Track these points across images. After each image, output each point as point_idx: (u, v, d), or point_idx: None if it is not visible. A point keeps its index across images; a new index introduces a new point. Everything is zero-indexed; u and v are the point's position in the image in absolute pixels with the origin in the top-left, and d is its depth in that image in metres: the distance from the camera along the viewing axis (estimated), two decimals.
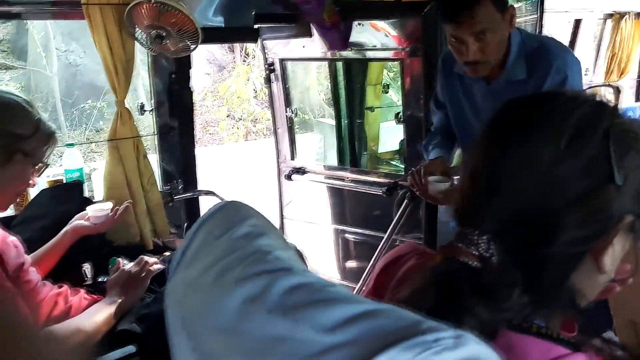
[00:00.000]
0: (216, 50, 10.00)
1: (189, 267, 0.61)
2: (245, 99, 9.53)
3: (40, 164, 1.32)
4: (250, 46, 9.74)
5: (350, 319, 0.43)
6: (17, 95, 1.28)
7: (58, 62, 8.24)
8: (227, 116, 9.58)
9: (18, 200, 1.82)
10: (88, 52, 8.42)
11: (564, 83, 1.42)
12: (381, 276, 0.77)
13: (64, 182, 1.80)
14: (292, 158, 2.92)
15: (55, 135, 1.34)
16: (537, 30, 2.86)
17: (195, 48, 1.85)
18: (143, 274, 1.41)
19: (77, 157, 1.83)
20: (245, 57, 10.22)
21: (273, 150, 2.96)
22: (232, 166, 6.83)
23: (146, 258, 1.44)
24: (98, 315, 1.29)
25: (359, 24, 2.34)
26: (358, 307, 0.45)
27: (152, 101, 2.03)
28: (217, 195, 2.12)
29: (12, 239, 1.32)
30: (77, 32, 8.57)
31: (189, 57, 1.99)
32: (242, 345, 0.47)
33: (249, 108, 9.58)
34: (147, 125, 2.13)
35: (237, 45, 10.07)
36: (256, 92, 9.57)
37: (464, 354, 0.38)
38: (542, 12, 2.87)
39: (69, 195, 1.75)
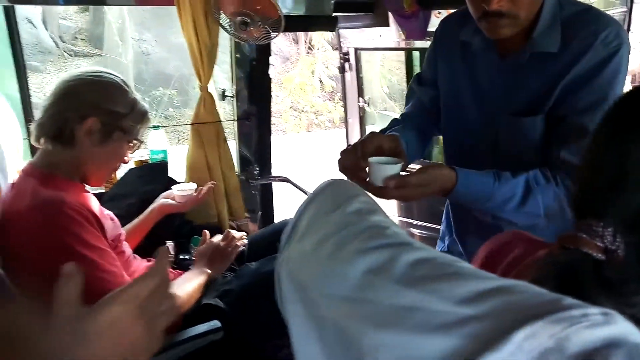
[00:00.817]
0: (281, 42, 10.12)
1: (301, 240, 0.63)
2: (309, 91, 9.60)
3: (135, 142, 1.39)
4: (315, 38, 9.79)
5: (485, 292, 0.43)
6: (116, 76, 1.35)
7: (131, 50, 8.62)
8: (290, 107, 9.70)
9: (106, 180, 1.93)
10: (159, 42, 8.76)
11: (609, 60, 1.08)
12: (485, 264, 0.77)
13: (149, 162, 1.88)
14: None
15: (148, 114, 1.41)
16: (626, 26, 2.71)
17: (276, 35, 1.88)
18: (230, 248, 1.46)
19: (161, 139, 1.91)
20: (309, 49, 10.28)
21: (334, 141, 2.97)
22: (296, 155, 6.91)
23: (233, 232, 1.50)
24: (189, 284, 1.35)
25: (438, 13, 2.30)
26: (491, 282, 0.44)
27: (233, 87, 2.09)
28: (291, 182, 2.16)
29: (108, 213, 1.40)
30: (149, 21, 8.93)
31: (269, 44, 2.03)
32: (368, 313, 0.48)
33: (311, 100, 9.65)
34: (225, 111, 2.19)
35: (301, 37, 10.14)
36: (321, 83, 9.61)
37: (614, 331, 0.38)
38: (632, 2, 2.70)
39: (154, 174, 1.83)
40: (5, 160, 1.36)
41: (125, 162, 1.42)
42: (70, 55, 8.80)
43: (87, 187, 1.37)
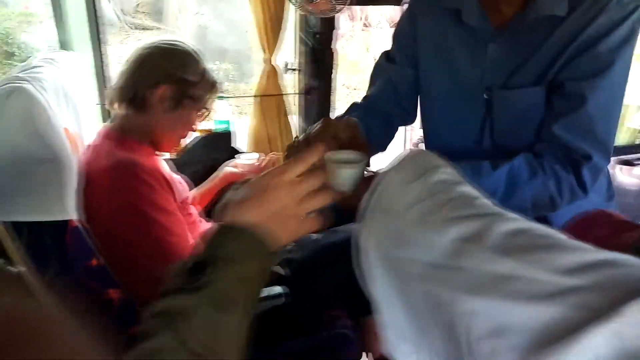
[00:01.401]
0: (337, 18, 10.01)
1: (382, 208, 0.63)
2: (362, 69, 9.50)
3: (203, 110, 1.42)
4: (371, 15, 9.63)
5: (590, 264, 0.42)
6: (189, 45, 1.38)
7: (190, 24, 8.76)
8: (342, 85, 9.64)
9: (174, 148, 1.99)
10: (217, 16, 8.85)
11: (621, 22, 0.94)
12: None
13: (214, 132, 1.93)
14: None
15: (217, 84, 1.43)
16: None
17: (342, 8, 1.87)
18: None
19: (225, 110, 1.95)
20: (365, 25, 10.14)
21: None
22: None
23: None
24: None
25: None
26: (594, 254, 0.44)
27: (296, 60, 2.09)
28: None
29: (177, 177, 1.45)
30: None
31: (333, 17, 2.02)
32: (460, 280, 0.48)
33: (364, 78, 9.55)
34: (287, 84, 2.20)
35: (357, 13, 10.01)
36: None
37: None
38: None
39: (219, 143, 1.87)
40: (83, 123, 1.42)
41: (194, 131, 1.46)
42: (131, 28, 9.03)
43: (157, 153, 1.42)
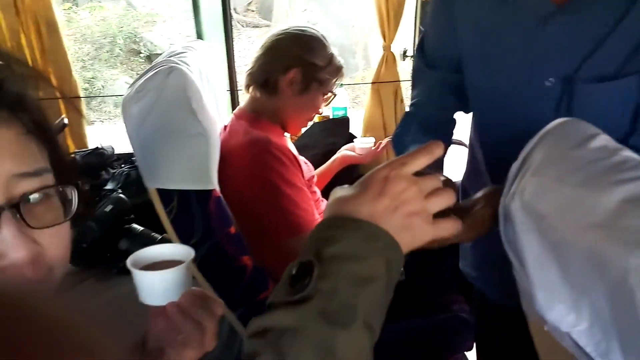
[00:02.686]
0: None
1: (537, 174, 0.63)
2: None
3: (329, 94, 1.48)
4: None
5: None
6: (316, 30, 1.45)
7: (298, 21, 9.03)
8: None
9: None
10: (324, 12, 9.02)
11: None
12: None
13: (331, 117, 1.99)
14: None
15: (342, 69, 1.49)
16: None
17: None
18: None
19: (343, 97, 2.01)
20: None
21: None
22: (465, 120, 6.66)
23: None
24: None
25: None
26: None
27: (414, 47, 2.10)
28: (464, 145, 2.13)
29: (302, 158, 1.52)
30: None
31: None
32: (631, 237, 0.48)
33: None
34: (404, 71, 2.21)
35: None
36: None
37: None
38: None
39: (336, 129, 1.94)
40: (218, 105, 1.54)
41: (320, 114, 1.52)
42: (242, 26, 9.49)
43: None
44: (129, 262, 0.65)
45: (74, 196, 0.53)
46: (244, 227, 1.31)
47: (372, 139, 1.78)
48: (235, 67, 2.04)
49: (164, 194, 1.19)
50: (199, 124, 1.13)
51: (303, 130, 1.95)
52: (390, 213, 0.52)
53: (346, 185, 0.57)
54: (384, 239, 0.51)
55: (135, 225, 1.54)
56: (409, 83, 2.12)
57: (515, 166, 0.66)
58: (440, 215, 0.56)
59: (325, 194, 1.71)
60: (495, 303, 1.14)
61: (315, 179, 1.54)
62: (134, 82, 1.18)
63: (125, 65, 7.83)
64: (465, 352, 1.50)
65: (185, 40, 1.66)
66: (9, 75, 0.51)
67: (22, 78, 0.53)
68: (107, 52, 7.74)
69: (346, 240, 0.50)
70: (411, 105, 1.13)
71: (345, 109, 2.00)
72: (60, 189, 0.52)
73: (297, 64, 1.39)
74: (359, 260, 0.50)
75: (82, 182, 0.63)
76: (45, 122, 0.53)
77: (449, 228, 0.56)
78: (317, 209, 1.46)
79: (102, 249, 1.52)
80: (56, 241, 0.51)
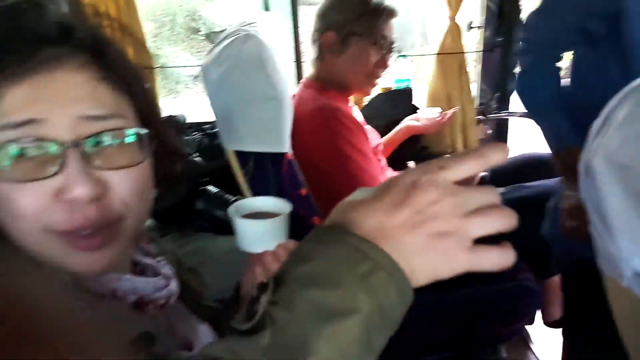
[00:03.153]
0: None
1: (622, 128, 0.64)
2: None
3: (380, 41, 1.43)
4: None
5: None
6: None
7: None
8: None
9: (355, 103, 2.12)
10: None
11: None
12: None
13: (394, 89, 2.00)
14: None
15: (384, 8, 1.43)
16: None
17: None
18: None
19: (406, 68, 2.01)
20: None
21: None
22: None
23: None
24: None
25: None
26: None
27: (482, 18, 2.07)
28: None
29: (368, 127, 1.55)
30: None
31: None
32: None
33: None
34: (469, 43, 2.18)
35: None
36: None
37: None
38: None
39: (399, 100, 1.95)
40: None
41: (385, 66, 1.47)
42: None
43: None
44: (231, 210, 0.69)
45: (148, 143, 0.55)
46: (313, 191, 1.36)
47: (438, 109, 1.78)
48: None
49: (241, 155, 1.26)
50: (273, 89, 1.18)
51: (368, 98, 1.98)
52: (409, 230, 0.39)
53: (370, 189, 0.44)
54: (372, 262, 0.38)
55: (210, 187, 1.63)
56: (474, 55, 2.10)
57: (597, 124, 0.67)
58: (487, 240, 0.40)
59: (390, 163, 1.74)
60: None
61: (381, 147, 1.56)
62: (212, 50, 1.24)
63: (185, 43, 8.03)
64: (526, 326, 1.51)
65: (252, 12, 1.72)
66: (88, 22, 0.55)
67: (101, 27, 0.57)
68: (168, 30, 7.95)
69: (320, 260, 0.39)
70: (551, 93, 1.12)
71: (408, 80, 2.01)
72: (134, 132, 0.54)
73: (328, 25, 1.42)
74: (328, 288, 0.38)
75: (168, 134, 0.67)
76: (124, 69, 0.55)
77: (495, 261, 0.40)
78: (383, 177, 1.49)
79: (181, 208, 1.62)
80: (127, 184, 0.52)
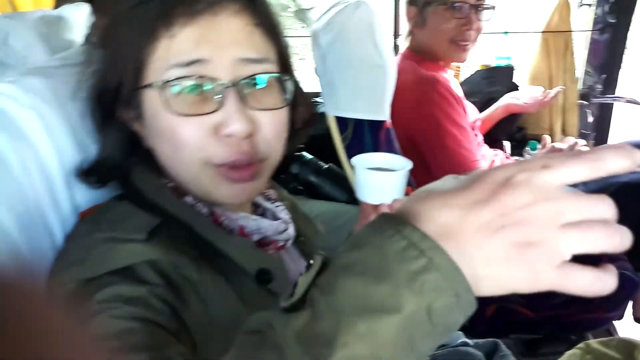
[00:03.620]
0: None
1: None
2: None
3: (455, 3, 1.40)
4: None
5: None
6: None
7: None
8: None
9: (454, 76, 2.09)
10: None
11: None
12: None
13: (494, 66, 1.96)
14: None
15: None
16: None
17: None
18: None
19: (507, 45, 1.96)
20: None
21: None
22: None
23: (579, 143, 1.49)
24: None
25: None
26: None
27: None
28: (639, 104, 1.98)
29: (466, 102, 1.54)
30: None
31: None
32: None
33: None
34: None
35: None
36: None
37: None
38: None
39: (499, 77, 1.90)
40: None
41: (469, 26, 1.41)
42: None
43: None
44: (354, 160, 0.72)
45: (290, 87, 0.60)
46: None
47: (541, 88, 1.73)
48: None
49: (341, 121, 1.30)
50: (380, 57, 1.21)
51: (466, 74, 1.95)
52: (488, 233, 0.33)
53: (458, 178, 0.39)
54: (427, 261, 0.33)
55: (305, 153, 1.70)
56: (583, 34, 2.00)
57: None
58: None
59: (485, 140, 1.72)
60: None
61: (478, 123, 1.55)
62: (322, 16, 1.28)
63: None
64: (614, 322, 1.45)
65: None
66: None
67: None
68: None
69: (371, 249, 0.35)
70: None
71: (509, 57, 1.95)
72: (281, 77, 0.59)
73: (410, 1, 1.46)
74: (371, 280, 0.34)
75: (300, 85, 0.71)
76: (273, 18, 0.61)
77: (587, 286, 0.33)
78: (479, 152, 1.48)
79: (277, 171, 1.69)
80: (272, 126, 0.58)
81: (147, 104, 0.57)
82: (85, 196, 0.65)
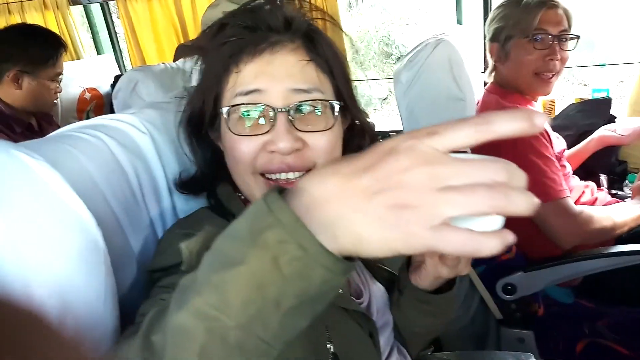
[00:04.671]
0: None
1: None
2: None
3: (532, 33, 1.41)
4: None
5: None
6: None
7: None
8: None
9: (547, 111, 2.07)
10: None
11: None
12: None
13: (590, 99, 1.91)
14: None
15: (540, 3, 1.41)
16: None
17: None
18: None
19: (605, 77, 1.91)
20: None
21: None
22: None
23: None
24: (628, 211, 1.37)
25: None
26: None
27: None
28: None
29: (554, 133, 1.53)
30: None
31: None
32: None
33: None
34: None
35: None
36: None
37: None
38: None
39: (596, 109, 1.85)
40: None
41: (553, 56, 1.40)
42: None
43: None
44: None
45: (338, 114, 0.69)
46: None
47: (639, 119, 1.66)
48: None
49: None
50: (460, 90, 1.27)
51: (560, 108, 1.92)
52: (365, 197, 0.35)
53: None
54: (273, 219, 0.37)
55: None
56: None
57: None
58: None
59: (579, 173, 1.67)
60: None
61: (565, 153, 1.53)
62: (405, 56, 1.38)
63: (377, 67, 8.41)
64: None
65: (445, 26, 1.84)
66: (305, 16, 0.72)
67: (313, 20, 0.73)
68: (362, 55, 8.42)
69: (243, 215, 0.39)
70: None
71: (607, 90, 1.90)
72: (329, 104, 0.69)
73: (491, 37, 1.50)
74: (227, 238, 0.40)
75: (361, 113, 0.80)
76: (327, 54, 0.71)
77: (459, 245, 0.33)
78: (567, 182, 1.45)
79: None
80: (320, 145, 0.67)
81: (222, 126, 0.70)
82: (184, 204, 0.80)
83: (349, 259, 0.37)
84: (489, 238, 0.33)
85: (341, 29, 0.91)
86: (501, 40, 1.47)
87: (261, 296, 0.36)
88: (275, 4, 0.71)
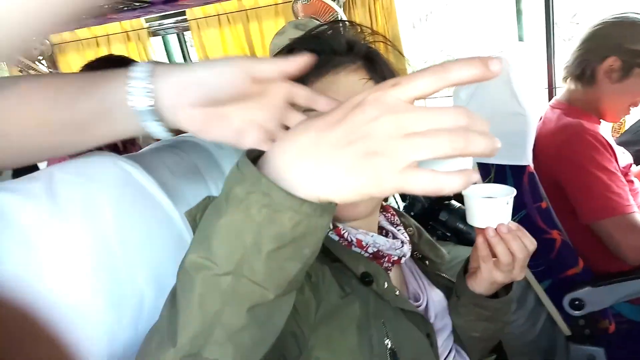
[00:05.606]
0: None
1: None
2: None
3: None
4: None
5: None
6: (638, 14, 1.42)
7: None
8: None
9: (616, 127, 2.02)
10: None
11: None
12: None
13: None
14: None
15: None
16: None
17: None
18: None
19: None
20: None
21: None
22: None
23: None
24: None
25: None
26: None
27: None
28: None
29: (620, 147, 1.50)
30: None
31: None
32: None
33: None
34: None
35: None
36: None
37: None
38: None
39: None
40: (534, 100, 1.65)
41: None
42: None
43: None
44: (465, 191, 0.81)
45: None
46: (555, 206, 1.39)
47: None
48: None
49: (483, 167, 1.39)
50: (519, 105, 1.29)
51: (630, 122, 1.87)
52: (337, 148, 0.38)
53: None
54: (240, 175, 0.41)
55: (454, 202, 1.79)
56: None
57: None
58: None
59: None
60: None
61: (632, 167, 1.49)
62: None
63: None
64: None
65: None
66: (365, 39, 0.77)
67: (373, 43, 0.78)
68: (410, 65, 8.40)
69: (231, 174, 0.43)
70: None
71: None
72: None
73: (615, 52, 1.40)
74: (213, 201, 0.44)
75: None
76: (386, 73, 0.75)
77: (425, 185, 0.36)
78: (634, 198, 1.42)
79: (427, 217, 1.81)
80: None
81: None
82: None
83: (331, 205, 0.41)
84: (451, 176, 0.35)
85: (400, 52, 0.96)
86: (626, 61, 1.41)
87: (241, 243, 0.40)
88: (337, 29, 0.78)
